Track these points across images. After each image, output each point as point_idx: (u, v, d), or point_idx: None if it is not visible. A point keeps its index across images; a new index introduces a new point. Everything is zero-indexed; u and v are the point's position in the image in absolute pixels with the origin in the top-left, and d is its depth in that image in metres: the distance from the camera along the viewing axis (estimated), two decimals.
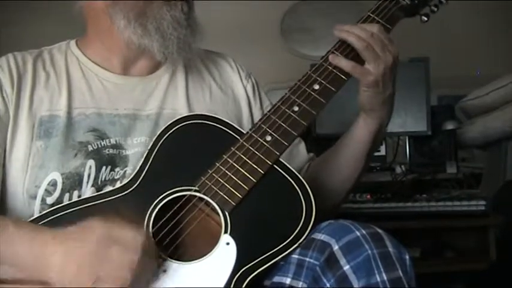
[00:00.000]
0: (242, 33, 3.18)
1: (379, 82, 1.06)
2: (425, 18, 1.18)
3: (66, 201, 1.04)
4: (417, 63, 2.17)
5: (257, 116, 1.25)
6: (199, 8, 1.20)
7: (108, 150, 1.10)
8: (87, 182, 1.07)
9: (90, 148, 1.10)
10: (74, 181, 1.07)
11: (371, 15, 1.12)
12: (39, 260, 0.88)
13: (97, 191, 1.06)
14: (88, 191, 1.06)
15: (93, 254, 0.84)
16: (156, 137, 1.04)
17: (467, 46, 3.13)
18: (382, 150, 2.24)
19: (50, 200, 1.06)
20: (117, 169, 1.09)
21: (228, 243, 0.92)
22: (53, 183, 1.06)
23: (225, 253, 0.91)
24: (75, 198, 1.05)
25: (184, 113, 1.15)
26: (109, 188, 1.05)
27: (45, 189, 1.06)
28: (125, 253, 0.84)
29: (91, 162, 1.08)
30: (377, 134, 1.14)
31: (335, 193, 1.21)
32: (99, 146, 1.10)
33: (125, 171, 1.09)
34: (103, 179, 1.08)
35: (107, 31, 1.16)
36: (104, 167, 1.09)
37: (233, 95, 1.27)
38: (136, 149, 1.11)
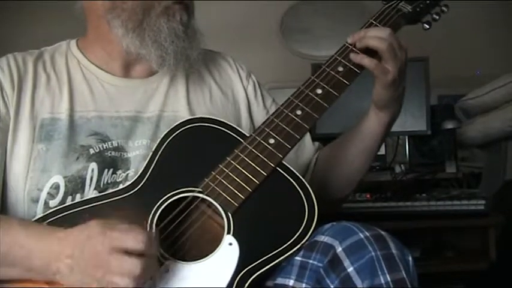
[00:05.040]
0: (242, 33, 3.17)
1: (397, 80, 1.07)
2: (427, 26, 1.19)
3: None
4: (417, 62, 2.17)
5: (260, 115, 1.26)
6: (199, 8, 1.19)
7: (110, 153, 1.10)
8: (90, 185, 1.07)
9: (92, 151, 1.09)
10: (76, 184, 1.06)
11: (373, 22, 1.13)
12: (46, 260, 0.88)
13: None
14: (91, 194, 1.06)
15: (95, 261, 0.85)
16: (160, 139, 1.04)
17: (467, 46, 3.13)
18: (382, 150, 2.22)
19: (52, 203, 1.05)
20: (119, 172, 1.09)
21: (230, 244, 0.92)
22: (56, 187, 1.06)
23: (227, 253, 0.92)
24: None
25: (185, 115, 1.15)
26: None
27: (48, 193, 1.05)
28: (125, 261, 0.84)
29: (93, 165, 1.08)
30: (389, 127, 1.17)
31: (346, 184, 1.24)
32: (101, 148, 1.10)
33: (127, 174, 1.09)
34: (105, 182, 1.07)
35: (106, 36, 1.16)
36: (106, 170, 1.08)
37: (233, 96, 1.27)
38: (138, 151, 1.11)
